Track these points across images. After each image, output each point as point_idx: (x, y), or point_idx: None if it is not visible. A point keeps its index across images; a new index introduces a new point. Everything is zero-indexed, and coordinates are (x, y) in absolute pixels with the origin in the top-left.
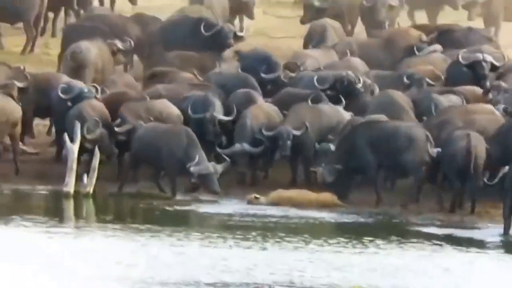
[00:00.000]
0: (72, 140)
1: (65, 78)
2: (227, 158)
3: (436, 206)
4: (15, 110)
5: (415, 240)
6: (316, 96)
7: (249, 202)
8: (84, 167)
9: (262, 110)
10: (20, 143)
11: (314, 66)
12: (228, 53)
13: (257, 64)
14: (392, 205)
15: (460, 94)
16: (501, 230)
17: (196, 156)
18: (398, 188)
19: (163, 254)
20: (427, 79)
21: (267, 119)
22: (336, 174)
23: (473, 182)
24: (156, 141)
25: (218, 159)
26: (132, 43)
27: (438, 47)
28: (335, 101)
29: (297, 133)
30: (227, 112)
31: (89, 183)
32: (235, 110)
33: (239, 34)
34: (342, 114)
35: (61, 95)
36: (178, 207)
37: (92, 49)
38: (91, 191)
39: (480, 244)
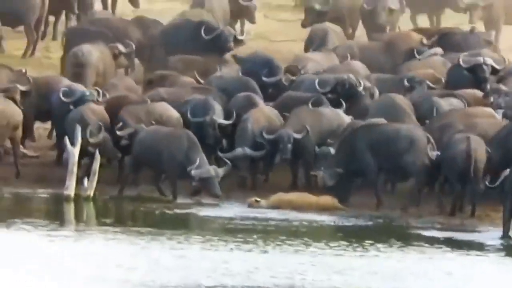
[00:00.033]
0: (72, 143)
1: (66, 82)
2: (228, 162)
3: (436, 209)
4: (16, 113)
5: (415, 243)
6: (317, 100)
7: (250, 206)
8: (84, 170)
9: (263, 114)
10: (21, 146)
11: (315, 69)
12: (229, 56)
13: (259, 68)
14: (392, 209)
15: (461, 97)
16: (501, 233)
17: (197, 159)
18: (398, 192)
19: (164, 257)
20: (428, 82)
21: (268, 123)
22: (337, 177)
23: (473, 185)
24: (157, 145)
25: (219, 163)
26: (134, 46)
27: (439, 50)
28: (335, 104)
29: (298, 136)
30: (228, 116)
31: (90, 186)
32: (234, 114)
33: (239, 37)
34: (343, 117)
35: (62, 98)
36: (178, 211)
37: (94, 52)
38: (92, 194)
39: (480, 247)
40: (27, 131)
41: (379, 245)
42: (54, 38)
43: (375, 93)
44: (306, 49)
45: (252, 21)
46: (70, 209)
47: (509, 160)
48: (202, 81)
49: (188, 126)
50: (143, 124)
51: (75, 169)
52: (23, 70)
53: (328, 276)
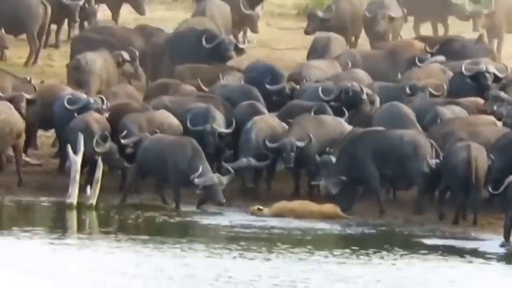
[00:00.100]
0: (75, 151)
1: (69, 90)
2: (231, 170)
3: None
4: (19, 121)
5: (418, 251)
6: (321, 108)
7: (252, 214)
8: (87, 178)
9: (266, 123)
10: (23, 154)
11: (319, 77)
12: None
13: (261, 76)
14: (395, 217)
15: (464, 105)
16: (505, 242)
17: (199, 167)
18: (401, 200)
19: (167, 266)
20: (431, 90)
21: (271, 132)
22: (341, 185)
23: (475, 194)
24: (162, 153)
25: (221, 172)
26: (137, 53)
27: (441, 58)
28: (338, 113)
29: (300, 144)
30: (230, 125)
31: (92, 194)
32: (234, 123)
33: (241, 46)
34: (345, 126)
35: (67, 106)
36: (181, 219)
37: (97, 60)
38: (94, 202)
39: (483, 256)
40: (30, 139)
41: (383, 253)
42: (56, 46)
43: (376, 100)
44: (309, 58)
45: (254, 30)
46: (72, 217)
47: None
48: (206, 89)
49: (190, 134)
50: (146, 132)
51: (77, 177)
52: (28, 78)
53: (331, 284)
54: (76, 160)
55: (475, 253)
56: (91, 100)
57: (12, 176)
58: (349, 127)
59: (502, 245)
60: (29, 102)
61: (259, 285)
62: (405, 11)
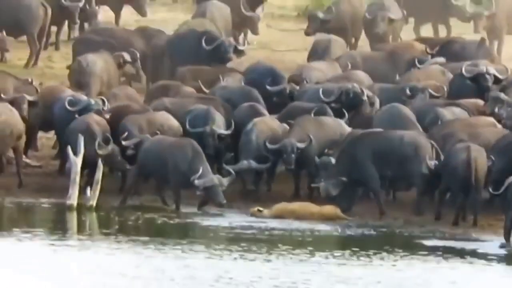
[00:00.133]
0: (75, 153)
1: (69, 91)
2: (232, 172)
3: (440, 218)
4: (19, 122)
5: (419, 252)
6: (321, 109)
7: (252, 215)
8: (87, 180)
9: (266, 124)
10: (24, 156)
11: (319, 79)
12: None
13: (262, 78)
14: (395, 218)
15: (464, 107)
16: (505, 243)
17: (200, 168)
18: (401, 201)
19: (168, 267)
20: (431, 91)
21: (272, 133)
22: (341, 186)
23: (474, 195)
24: (162, 154)
25: (222, 173)
26: (138, 54)
27: (440, 59)
28: (338, 115)
29: (301, 145)
30: (230, 126)
31: (93, 196)
32: (233, 125)
33: (240, 48)
34: (344, 127)
35: (68, 107)
36: (182, 220)
37: (98, 62)
38: (95, 204)
39: (484, 257)
40: (30, 141)
41: (383, 255)
42: (56, 48)
43: (376, 102)
44: (309, 60)
45: (255, 32)
46: (73, 219)
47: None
48: (207, 91)
49: (190, 135)
50: (146, 133)
51: (77, 178)
52: (29, 80)
53: (331, 285)
54: (76, 161)
55: (475, 254)
56: (92, 102)
57: (12, 178)
58: (348, 129)
59: (502, 246)
60: (30, 103)
61: (259, 286)
62: (405, 13)
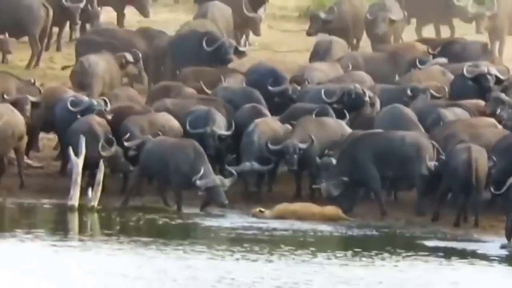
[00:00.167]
0: (76, 153)
1: (70, 92)
2: (234, 173)
3: (441, 219)
4: (21, 123)
5: (420, 253)
6: (323, 110)
7: (254, 216)
8: (88, 180)
9: (267, 125)
10: (25, 156)
11: (321, 79)
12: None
13: (264, 78)
14: (397, 219)
15: (466, 107)
16: (506, 243)
17: (201, 169)
18: (402, 202)
19: (170, 268)
20: (432, 91)
21: (273, 134)
22: (342, 186)
23: (475, 195)
24: (164, 155)
25: (224, 174)
26: (140, 55)
27: (442, 60)
28: (339, 115)
29: (303, 146)
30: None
31: (94, 197)
32: (233, 125)
33: (241, 49)
34: (345, 128)
35: (70, 108)
36: (183, 221)
37: (100, 63)
38: (96, 205)
39: (485, 258)
40: (32, 142)
41: (384, 255)
42: (58, 49)
43: (376, 103)
44: (311, 62)
45: (257, 33)
46: (74, 220)
47: None
48: (209, 91)
49: (191, 136)
50: (148, 134)
51: (79, 179)
52: (32, 80)
53: (333, 286)
54: (78, 162)
55: (477, 255)
56: (95, 102)
57: (14, 178)
58: (349, 130)
59: (503, 247)
60: (33, 105)
61: (261, 287)
62: (406, 14)
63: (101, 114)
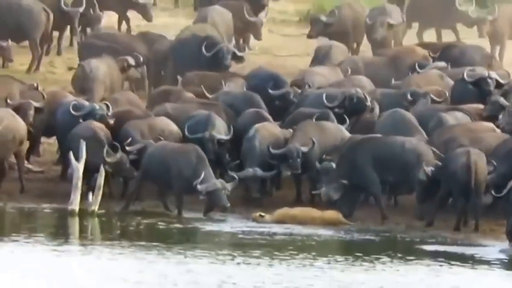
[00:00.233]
0: (77, 158)
1: (71, 97)
2: (235, 176)
3: (441, 223)
4: (21, 128)
5: (421, 257)
6: (324, 115)
7: (254, 220)
8: (88, 185)
9: (268, 130)
10: (26, 161)
11: (321, 83)
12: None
13: (264, 83)
14: (397, 223)
15: (466, 111)
16: (507, 248)
17: (202, 173)
18: (402, 206)
19: (170, 272)
20: (433, 96)
21: (274, 139)
22: (342, 190)
23: (475, 199)
24: (166, 160)
25: (225, 178)
26: (142, 59)
27: (441, 64)
28: (339, 120)
29: (305, 149)
30: (233, 132)
31: (94, 201)
32: (232, 130)
33: (239, 54)
34: (345, 133)
35: (72, 112)
36: (184, 225)
37: (101, 67)
38: (96, 209)
39: (485, 262)
40: (33, 147)
41: (385, 259)
42: (58, 53)
43: (376, 107)
44: (311, 66)
45: (258, 37)
46: (74, 224)
47: None
48: (210, 96)
49: (190, 141)
50: (148, 139)
51: (79, 184)
52: (35, 84)
53: None
54: (78, 167)
55: (477, 259)
56: (97, 107)
57: (14, 183)
58: (348, 135)
59: (503, 251)
60: (37, 110)
61: None
62: (404, 18)
63: (103, 118)
